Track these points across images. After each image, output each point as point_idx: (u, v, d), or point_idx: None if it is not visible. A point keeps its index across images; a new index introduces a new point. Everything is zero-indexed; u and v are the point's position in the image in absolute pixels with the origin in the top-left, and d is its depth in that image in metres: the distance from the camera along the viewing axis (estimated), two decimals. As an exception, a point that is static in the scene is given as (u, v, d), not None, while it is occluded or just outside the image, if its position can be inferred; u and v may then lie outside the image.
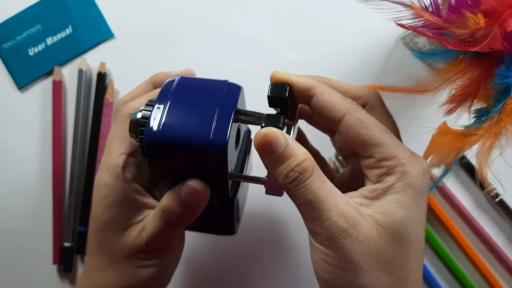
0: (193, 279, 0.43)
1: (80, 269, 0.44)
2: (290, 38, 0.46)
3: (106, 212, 0.29)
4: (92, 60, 0.46)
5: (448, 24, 0.26)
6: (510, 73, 0.26)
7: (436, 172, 0.41)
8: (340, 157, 0.42)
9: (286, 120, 0.27)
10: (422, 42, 0.40)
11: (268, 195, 0.29)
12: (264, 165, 0.26)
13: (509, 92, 0.26)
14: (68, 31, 0.47)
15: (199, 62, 0.45)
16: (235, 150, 0.30)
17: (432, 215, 0.42)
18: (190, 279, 0.43)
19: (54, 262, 0.44)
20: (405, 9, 0.27)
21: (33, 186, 0.45)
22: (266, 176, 0.28)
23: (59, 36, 0.46)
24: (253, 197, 0.42)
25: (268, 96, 0.27)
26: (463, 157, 0.42)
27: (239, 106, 0.28)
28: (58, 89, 0.45)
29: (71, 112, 0.46)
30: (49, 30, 0.46)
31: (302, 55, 0.45)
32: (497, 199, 0.41)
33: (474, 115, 0.29)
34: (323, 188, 0.24)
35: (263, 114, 0.27)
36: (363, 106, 0.29)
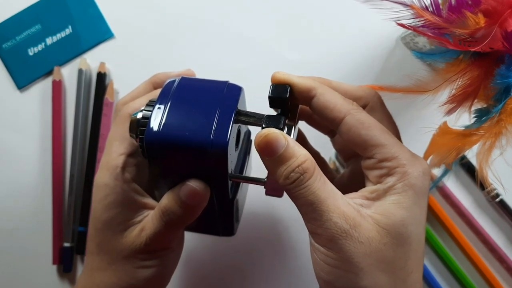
0: (192, 279, 0.43)
1: (80, 269, 0.44)
2: (290, 38, 0.46)
3: (105, 212, 0.29)
4: (92, 60, 0.46)
5: (448, 24, 0.26)
6: (510, 73, 0.26)
7: (436, 172, 0.41)
8: (340, 158, 0.42)
9: (287, 121, 0.27)
10: (422, 42, 0.40)
11: (264, 196, 0.29)
12: (265, 166, 0.26)
13: (509, 92, 0.26)
14: (68, 31, 0.46)
15: (199, 62, 0.45)
16: (235, 151, 0.30)
17: (432, 215, 0.42)
18: (189, 279, 0.43)
19: (54, 262, 0.44)
20: (405, 9, 0.27)
21: (33, 186, 0.45)
22: (266, 177, 0.28)
23: (59, 36, 0.46)
24: (253, 197, 0.42)
25: (269, 97, 0.27)
26: (463, 157, 0.42)
27: (240, 107, 0.28)
28: (57, 89, 0.45)
29: (71, 112, 0.46)
30: (49, 30, 0.46)
31: (302, 55, 0.45)
32: (497, 199, 0.41)
33: (474, 115, 0.29)
34: (324, 189, 0.24)
35: (263, 115, 0.27)
36: (364, 107, 0.29)
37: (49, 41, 0.46)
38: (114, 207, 0.29)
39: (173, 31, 0.46)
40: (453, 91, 0.29)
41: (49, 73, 0.46)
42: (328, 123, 0.27)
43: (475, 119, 0.29)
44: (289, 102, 0.27)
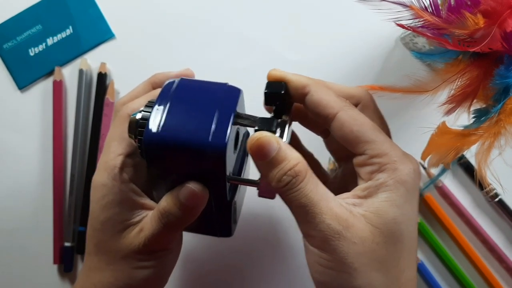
0: (190, 279, 0.43)
1: (81, 269, 0.44)
2: (290, 38, 0.46)
3: (103, 212, 0.29)
4: (93, 60, 0.47)
5: (448, 24, 0.26)
6: (509, 73, 0.26)
7: (435, 171, 0.41)
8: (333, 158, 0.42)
9: (282, 117, 0.27)
10: (422, 42, 0.40)
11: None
12: (258, 169, 0.26)
13: (508, 92, 0.26)
14: (69, 31, 0.47)
15: (199, 62, 0.45)
16: (234, 152, 0.30)
17: (432, 214, 0.42)
18: (187, 279, 0.43)
19: (55, 262, 0.44)
20: (404, 9, 0.27)
21: (34, 186, 0.45)
22: (259, 179, 0.28)
23: (60, 36, 0.47)
24: (251, 197, 0.42)
25: (265, 93, 0.27)
26: (462, 157, 0.42)
27: (239, 109, 0.28)
28: (58, 89, 0.45)
29: (71, 112, 0.46)
30: (50, 30, 0.47)
31: (302, 55, 0.45)
32: (496, 199, 0.41)
33: (473, 115, 0.29)
34: (316, 191, 0.25)
35: (257, 117, 0.27)
36: (356, 105, 0.29)
37: (49, 41, 0.46)
38: (112, 207, 0.29)
39: (173, 31, 0.46)
40: (452, 91, 0.29)
41: (50, 73, 0.46)
42: (321, 120, 0.28)
43: (474, 119, 0.29)
44: (284, 99, 0.27)
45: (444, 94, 0.29)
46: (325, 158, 0.36)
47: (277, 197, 0.29)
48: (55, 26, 0.47)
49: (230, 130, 0.26)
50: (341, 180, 0.33)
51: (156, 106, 0.27)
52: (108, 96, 0.45)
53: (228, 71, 0.45)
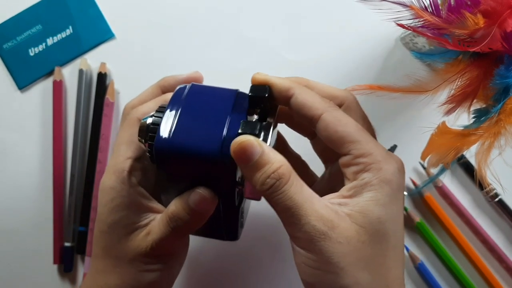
0: (194, 280, 0.43)
1: (81, 269, 0.44)
2: (289, 38, 0.46)
3: (111, 215, 0.29)
4: (93, 60, 0.47)
5: (448, 24, 0.26)
6: (509, 73, 0.26)
7: (435, 171, 0.41)
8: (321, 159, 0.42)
9: (267, 119, 0.28)
10: (422, 42, 0.40)
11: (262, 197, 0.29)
12: (242, 172, 0.26)
13: (508, 92, 0.26)
14: (69, 31, 0.47)
15: (199, 62, 0.45)
16: None
17: (432, 214, 0.42)
18: (192, 280, 0.43)
19: (55, 262, 0.44)
20: (404, 9, 0.27)
21: (34, 186, 0.45)
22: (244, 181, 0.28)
23: (60, 36, 0.47)
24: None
25: (249, 96, 0.28)
26: (462, 157, 0.42)
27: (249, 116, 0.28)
28: (58, 89, 0.45)
29: (71, 112, 0.46)
30: (50, 30, 0.47)
31: (302, 55, 0.46)
32: (496, 199, 0.41)
33: (473, 115, 0.29)
34: (301, 193, 0.25)
35: (240, 121, 0.27)
36: (339, 106, 0.29)
37: (49, 41, 0.46)
38: (120, 210, 0.29)
39: (174, 31, 0.46)
40: (452, 91, 0.29)
41: (50, 73, 0.46)
42: (306, 122, 0.28)
43: (474, 119, 0.29)
44: (269, 102, 0.28)
45: (444, 94, 0.29)
46: (312, 160, 0.36)
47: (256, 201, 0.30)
48: (55, 26, 0.47)
49: None
50: (329, 181, 0.33)
51: (167, 112, 0.27)
52: (108, 96, 0.45)
53: (228, 71, 0.45)
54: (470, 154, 0.30)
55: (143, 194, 0.30)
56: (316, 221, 0.24)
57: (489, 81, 0.27)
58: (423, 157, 0.31)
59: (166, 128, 0.26)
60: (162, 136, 0.26)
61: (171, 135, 0.26)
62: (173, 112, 0.27)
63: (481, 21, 0.25)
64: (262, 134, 0.26)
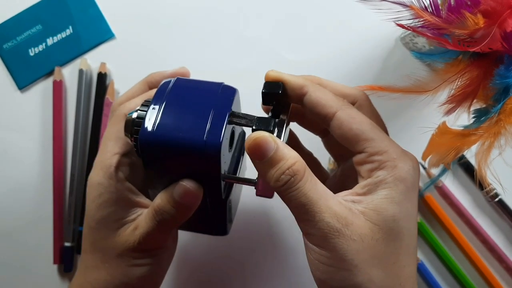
0: (187, 277, 0.43)
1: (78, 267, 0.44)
2: (289, 38, 0.46)
3: (99, 210, 0.29)
4: (93, 60, 0.47)
5: (448, 24, 0.26)
6: (509, 73, 0.26)
7: (435, 172, 0.41)
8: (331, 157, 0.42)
9: (280, 116, 0.28)
10: (422, 42, 0.40)
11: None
12: (256, 169, 0.26)
13: (508, 92, 0.26)
14: (69, 31, 0.47)
15: (199, 62, 0.45)
16: (229, 151, 0.30)
17: (432, 215, 0.42)
18: (184, 277, 0.43)
19: (55, 262, 0.44)
20: (404, 9, 0.27)
21: (34, 186, 0.45)
22: (256, 178, 0.28)
23: (60, 36, 0.47)
24: (251, 197, 0.42)
25: (263, 93, 0.28)
26: (462, 157, 0.42)
27: (234, 108, 0.28)
28: (58, 89, 0.45)
29: (71, 112, 0.46)
30: (50, 30, 0.47)
31: (302, 55, 0.46)
32: (496, 199, 0.41)
33: (473, 115, 0.29)
34: (315, 190, 0.25)
35: (254, 116, 0.27)
36: (352, 104, 0.29)
37: (49, 41, 0.46)
38: (107, 206, 0.29)
39: (173, 31, 0.46)
40: (452, 91, 0.29)
41: (50, 73, 0.46)
42: (320, 120, 0.28)
43: (474, 119, 0.29)
44: (282, 99, 0.28)
45: (444, 94, 0.29)
46: (324, 158, 0.36)
47: (277, 197, 0.30)
48: (55, 26, 0.47)
49: (225, 129, 0.26)
50: (340, 179, 0.33)
51: (152, 105, 0.27)
52: (108, 96, 0.45)
53: (228, 71, 0.45)
54: (471, 154, 0.30)
55: (131, 189, 0.30)
56: (330, 218, 0.24)
57: (489, 81, 0.27)
58: (424, 158, 0.31)
59: (150, 121, 0.26)
60: (146, 129, 0.26)
61: (155, 128, 0.26)
62: (158, 105, 0.27)
63: (481, 21, 0.25)
64: (276, 130, 0.26)
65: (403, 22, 0.28)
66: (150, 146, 0.26)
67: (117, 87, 0.46)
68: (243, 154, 0.34)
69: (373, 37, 0.45)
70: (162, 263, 0.32)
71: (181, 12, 0.47)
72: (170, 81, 0.29)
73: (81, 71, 0.45)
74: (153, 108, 0.27)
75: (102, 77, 0.45)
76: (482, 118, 0.28)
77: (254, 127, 0.26)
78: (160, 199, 0.28)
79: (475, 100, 0.28)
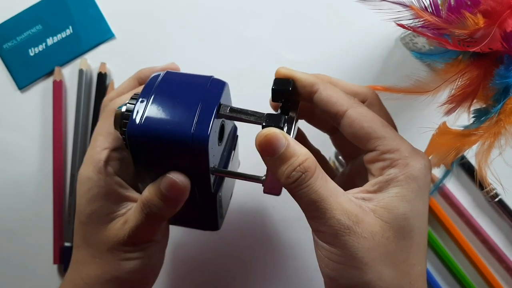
0: (183, 274, 0.43)
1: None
2: (289, 38, 0.46)
3: (89, 205, 0.29)
4: (93, 60, 0.46)
5: (448, 24, 0.26)
6: (509, 73, 0.26)
7: (436, 172, 0.41)
8: (340, 157, 0.42)
9: (289, 113, 0.28)
10: (422, 42, 0.40)
11: (264, 195, 0.29)
12: (266, 165, 0.26)
13: (508, 92, 0.26)
14: (69, 31, 0.47)
15: (199, 62, 0.45)
16: (218, 145, 0.30)
17: (432, 215, 0.42)
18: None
19: (55, 262, 0.44)
20: (404, 9, 0.27)
21: (34, 186, 0.45)
22: (264, 175, 0.28)
23: (60, 36, 0.47)
24: (251, 197, 0.42)
25: (273, 89, 0.28)
26: (463, 157, 0.42)
27: (224, 102, 0.28)
28: (58, 89, 0.45)
29: (71, 112, 0.46)
30: (50, 30, 0.47)
31: (302, 55, 0.45)
32: (497, 199, 0.41)
33: (473, 115, 0.29)
34: (326, 187, 0.25)
35: (263, 114, 0.27)
36: (362, 102, 0.29)
37: (49, 41, 0.46)
38: (97, 200, 0.29)
39: (173, 31, 0.46)
40: (453, 91, 0.29)
41: (50, 73, 0.46)
42: (330, 118, 0.28)
43: (474, 119, 0.29)
44: (291, 97, 0.28)
45: (444, 94, 0.29)
46: (326, 157, 0.36)
47: (279, 197, 0.30)
48: (55, 26, 0.47)
49: (213, 122, 0.26)
50: (349, 177, 0.33)
51: (140, 99, 0.27)
52: (108, 96, 0.45)
53: (228, 71, 0.45)
54: (471, 154, 0.30)
55: (120, 183, 0.30)
56: (341, 215, 0.24)
57: (489, 81, 0.27)
58: (424, 158, 0.31)
59: (138, 114, 0.26)
60: (134, 121, 0.26)
61: (143, 120, 0.26)
62: (146, 98, 0.27)
63: (481, 21, 0.25)
64: (286, 127, 0.26)
65: (403, 22, 0.28)
66: (138, 138, 0.26)
67: (117, 87, 0.46)
68: (234, 149, 0.34)
69: (373, 37, 0.45)
70: (153, 257, 0.32)
71: (181, 12, 0.47)
72: (160, 74, 0.29)
73: (81, 71, 0.45)
74: (142, 101, 0.27)
75: (102, 77, 0.45)
76: (482, 118, 0.28)
77: (264, 124, 0.26)
78: (148, 192, 0.28)
79: (475, 100, 0.28)
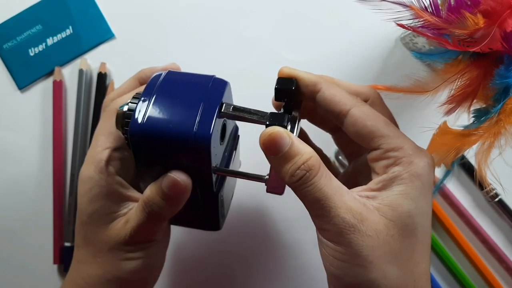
0: (184, 275, 0.43)
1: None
2: (289, 38, 0.46)
3: (90, 204, 0.29)
4: (93, 60, 0.47)
5: (448, 24, 0.26)
6: (509, 73, 0.26)
7: (437, 173, 0.41)
8: (340, 157, 0.42)
9: (292, 113, 0.28)
10: (422, 42, 0.40)
11: (265, 195, 0.29)
12: (270, 164, 0.26)
13: (508, 92, 0.26)
14: (69, 31, 0.47)
15: (199, 62, 0.45)
16: (220, 144, 0.30)
17: (432, 215, 0.42)
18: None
19: (55, 262, 0.44)
20: (404, 9, 0.27)
21: (34, 186, 0.45)
22: (267, 175, 0.28)
23: (60, 36, 0.47)
24: (251, 197, 0.42)
25: (276, 88, 0.28)
26: (463, 157, 0.42)
27: (226, 101, 0.28)
28: (58, 89, 0.45)
29: (71, 112, 0.46)
30: (50, 30, 0.47)
31: (302, 55, 0.46)
32: (496, 199, 0.41)
33: (473, 115, 0.29)
34: (330, 185, 0.25)
35: (267, 112, 0.27)
36: (365, 102, 0.29)
37: (49, 41, 0.46)
38: (98, 200, 0.29)
39: (173, 31, 0.46)
40: (452, 91, 0.29)
41: (50, 73, 0.46)
42: (333, 117, 0.28)
43: (474, 119, 0.29)
44: (294, 96, 0.28)
45: (444, 94, 0.29)
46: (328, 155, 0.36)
47: (280, 197, 0.30)
48: (55, 26, 0.47)
49: (215, 122, 0.26)
50: (352, 176, 0.33)
51: (142, 98, 0.27)
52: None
53: (228, 71, 0.45)
54: (471, 154, 0.30)
55: (122, 183, 0.30)
56: (346, 213, 0.24)
57: (489, 81, 0.27)
58: (424, 157, 0.31)
59: (140, 113, 0.26)
60: (136, 120, 0.26)
61: (145, 119, 0.26)
62: (148, 98, 0.27)
63: (481, 21, 0.25)
64: (289, 126, 0.26)
65: (403, 22, 0.28)
66: (140, 137, 0.26)
67: (117, 87, 0.46)
68: (235, 149, 0.34)
69: (373, 37, 0.45)
70: (154, 256, 0.32)
71: (181, 12, 0.47)
72: (161, 74, 0.29)
73: (81, 71, 0.45)
74: (144, 101, 0.27)
75: (102, 77, 0.45)
76: (482, 118, 0.28)
77: (268, 123, 0.26)
78: (150, 190, 0.28)
79: (475, 100, 0.28)
